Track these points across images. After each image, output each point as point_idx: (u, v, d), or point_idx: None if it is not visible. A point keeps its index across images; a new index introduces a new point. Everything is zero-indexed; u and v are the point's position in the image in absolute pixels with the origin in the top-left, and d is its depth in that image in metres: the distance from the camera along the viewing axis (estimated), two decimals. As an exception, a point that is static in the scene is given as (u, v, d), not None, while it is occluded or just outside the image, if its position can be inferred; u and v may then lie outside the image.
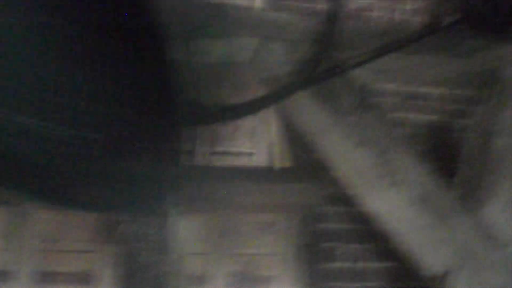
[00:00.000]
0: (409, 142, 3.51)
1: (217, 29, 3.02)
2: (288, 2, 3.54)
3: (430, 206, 3.36)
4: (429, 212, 3.36)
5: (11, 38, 2.30)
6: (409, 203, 3.36)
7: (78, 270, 3.32)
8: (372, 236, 3.59)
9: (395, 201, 3.36)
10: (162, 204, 2.97)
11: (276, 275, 3.61)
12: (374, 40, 3.20)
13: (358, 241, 3.66)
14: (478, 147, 3.56)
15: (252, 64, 3.20)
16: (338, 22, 3.10)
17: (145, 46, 2.55)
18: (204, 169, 3.43)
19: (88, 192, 2.49)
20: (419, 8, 3.65)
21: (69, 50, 2.39)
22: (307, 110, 3.32)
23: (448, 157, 3.64)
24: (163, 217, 3.21)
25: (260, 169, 3.66)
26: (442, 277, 3.37)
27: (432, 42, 3.26)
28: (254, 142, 3.73)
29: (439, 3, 3.41)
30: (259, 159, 3.70)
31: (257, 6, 3.42)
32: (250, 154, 3.74)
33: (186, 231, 3.32)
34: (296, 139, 3.55)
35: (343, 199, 3.54)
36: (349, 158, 3.35)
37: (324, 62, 3.13)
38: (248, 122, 3.64)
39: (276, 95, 3.21)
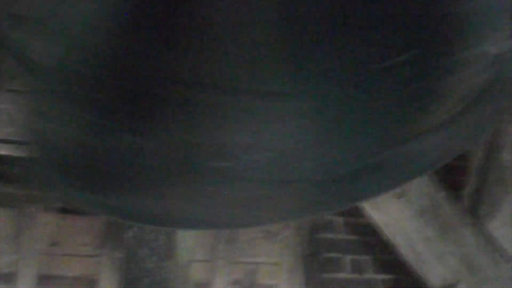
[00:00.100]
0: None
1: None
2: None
3: (436, 218, 3.36)
4: (435, 224, 3.36)
5: None
6: (416, 215, 3.35)
7: (81, 274, 3.31)
8: (377, 247, 3.59)
9: (402, 212, 3.36)
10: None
11: (281, 284, 3.60)
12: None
13: (363, 251, 3.66)
14: (485, 160, 3.56)
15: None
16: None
17: None
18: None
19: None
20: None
21: None
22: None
23: (455, 169, 3.64)
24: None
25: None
26: (447, 290, 3.37)
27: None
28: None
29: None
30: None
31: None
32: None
33: (190, 238, 3.31)
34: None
35: (349, 209, 3.54)
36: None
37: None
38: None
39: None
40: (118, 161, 2.03)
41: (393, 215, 3.36)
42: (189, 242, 3.28)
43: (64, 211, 3.28)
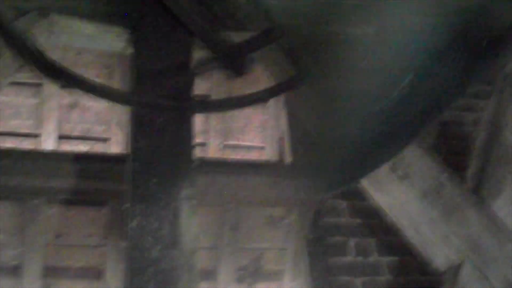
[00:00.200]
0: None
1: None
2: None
3: (440, 199, 3.35)
4: (439, 205, 3.36)
5: None
6: (420, 197, 3.35)
7: (87, 265, 3.32)
8: (382, 230, 3.59)
9: (405, 194, 3.36)
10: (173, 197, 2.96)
11: (286, 269, 3.61)
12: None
13: (367, 235, 3.66)
14: (488, 140, 3.55)
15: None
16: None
17: None
18: (216, 163, 3.42)
19: None
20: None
21: None
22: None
23: (458, 150, 3.64)
24: (173, 211, 3.20)
25: (271, 163, 3.66)
26: (451, 270, 3.37)
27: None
28: (265, 136, 3.72)
29: None
30: (270, 153, 3.69)
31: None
32: (262, 148, 3.73)
33: (196, 225, 3.31)
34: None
35: (353, 193, 3.53)
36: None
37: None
38: (259, 117, 3.63)
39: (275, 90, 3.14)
40: None
41: (397, 197, 3.35)
42: (195, 230, 3.29)
43: (68, 202, 3.28)
